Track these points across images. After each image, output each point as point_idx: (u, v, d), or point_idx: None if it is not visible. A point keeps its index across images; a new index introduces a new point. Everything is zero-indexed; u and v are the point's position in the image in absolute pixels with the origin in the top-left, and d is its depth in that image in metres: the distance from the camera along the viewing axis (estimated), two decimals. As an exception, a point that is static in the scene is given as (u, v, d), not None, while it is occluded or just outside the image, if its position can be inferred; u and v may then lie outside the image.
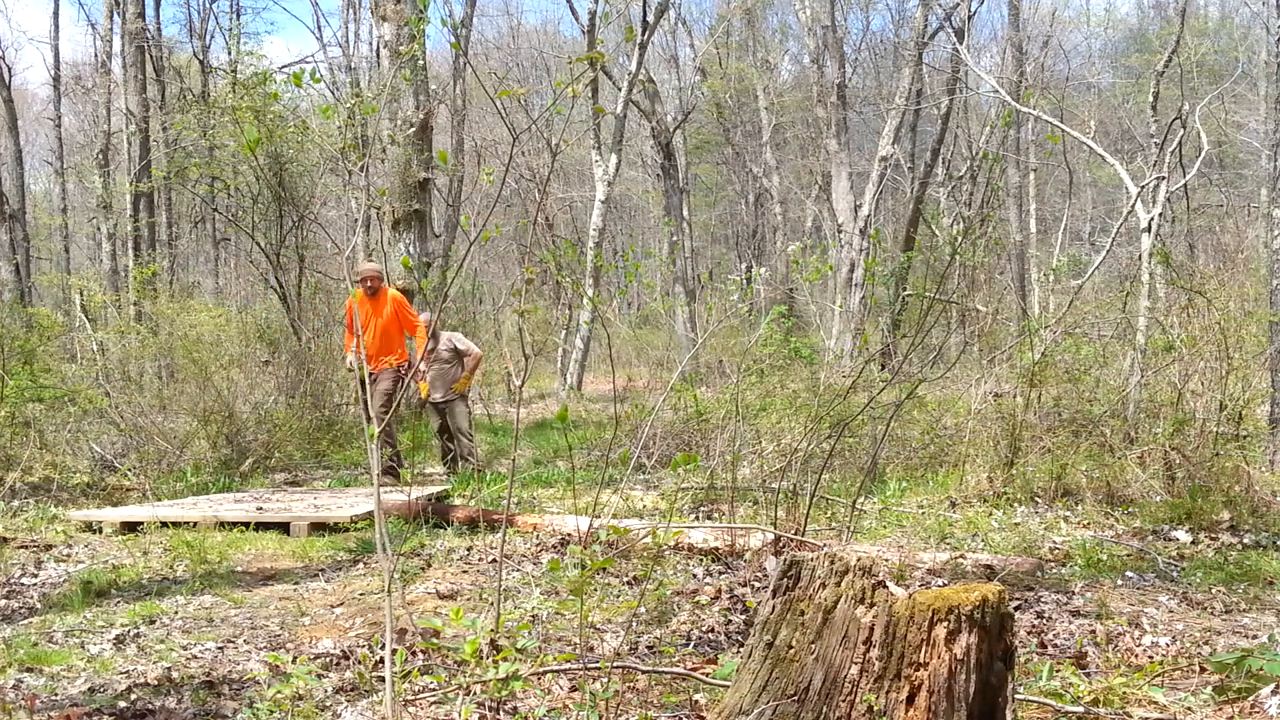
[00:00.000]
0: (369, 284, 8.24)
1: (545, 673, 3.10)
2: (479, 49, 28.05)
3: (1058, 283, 16.39)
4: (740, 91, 28.69)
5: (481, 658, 2.94)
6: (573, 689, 3.06)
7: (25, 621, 4.04)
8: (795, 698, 2.24)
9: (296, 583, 4.79)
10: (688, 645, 3.67)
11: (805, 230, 28.91)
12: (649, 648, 3.64)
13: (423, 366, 8.83)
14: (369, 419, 2.94)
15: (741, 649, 2.95)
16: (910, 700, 2.16)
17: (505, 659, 2.94)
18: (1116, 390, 7.85)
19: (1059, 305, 14.06)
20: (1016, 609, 4.06)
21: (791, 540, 4.97)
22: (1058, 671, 3.21)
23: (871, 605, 2.22)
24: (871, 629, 2.21)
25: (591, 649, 3.53)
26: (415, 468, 8.81)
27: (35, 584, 4.74)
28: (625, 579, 4.73)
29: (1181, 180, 13.41)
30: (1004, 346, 9.48)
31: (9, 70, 20.84)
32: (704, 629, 3.90)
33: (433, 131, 12.59)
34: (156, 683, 3.21)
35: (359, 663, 3.32)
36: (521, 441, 11.10)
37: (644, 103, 22.29)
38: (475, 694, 2.91)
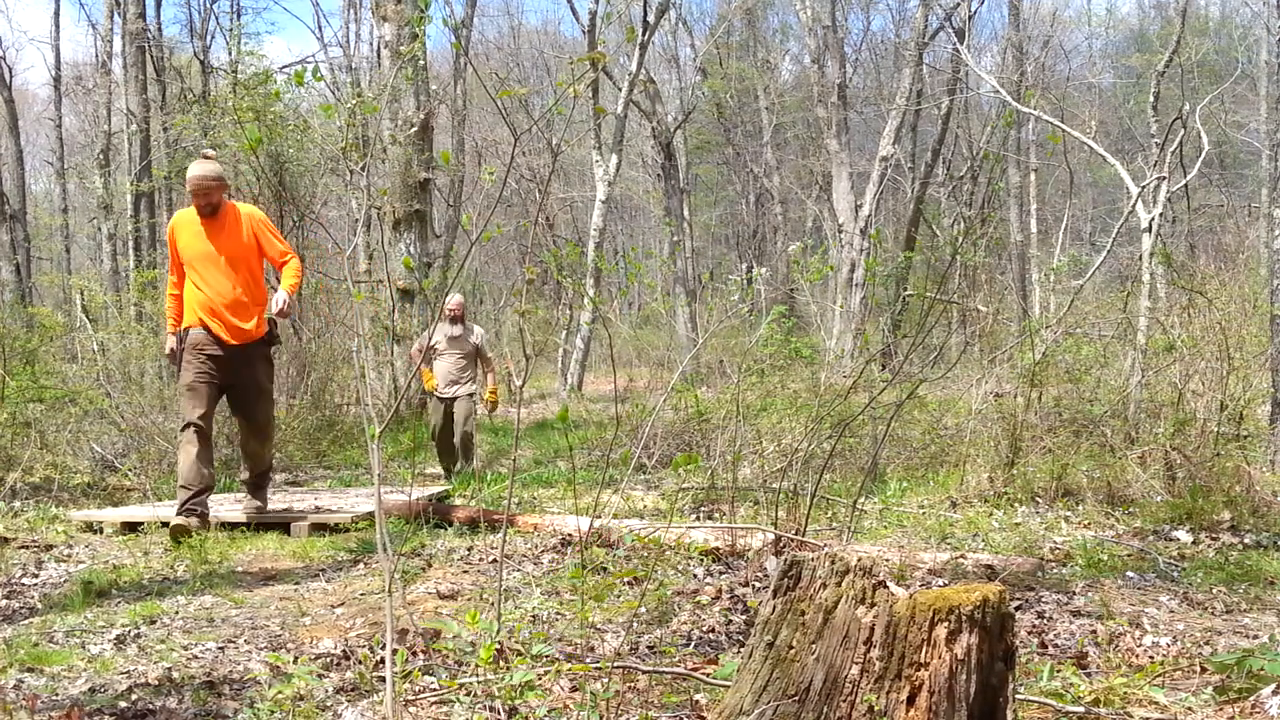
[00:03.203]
0: (206, 200, 5.55)
1: (546, 673, 3.10)
2: (480, 49, 28.07)
3: (1058, 283, 16.40)
4: (741, 91, 28.71)
5: (495, 662, 2.94)
6: (573, 689, 3.06)
7: (26, 621, 4.04)
8: (796, 698, 2.24)
9: (297, 583, 4.79)
10: (688, 645, 3.67)
11: (806, 230, 28.92)
12: (650, 648, 3.64)
13: (439, 343, 8.36)
14: (370, 419, 2.94)
15: (742, 649, 2.95)
16: (911, 700, 2.16)
17: (519, 666, 2.93)
18: (1117, 390, 7.85)
19: (1060, 305, 14.06)
20: (1017, 609, 4.05)
21: (792, 540, 4.97)
22: (1058, 671, 3.21)
23: (872, 605, 2.22)
24: (872, 629, 2.21)
25: (592, 649, 3.53)
26: (416, 467, 8.81)
27: (36, 584, 4.74)
28: (626, 579, 4.73)
29: (1182, 180, 13.41)
30: (1005, 347, 9.48)
31: (10, 71, 20.87)
32: (705, 629, 3.90)
33: (433, 131, 12.60)
34: (157, 683, 3.21)
35: (360, 663, 3.31)
36: (522, 442, 11.10)
37: (644, 103, 22.30)
38: (478, 697, 2.90)
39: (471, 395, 8.67)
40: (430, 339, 8.48)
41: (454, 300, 8.73)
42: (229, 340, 5.57)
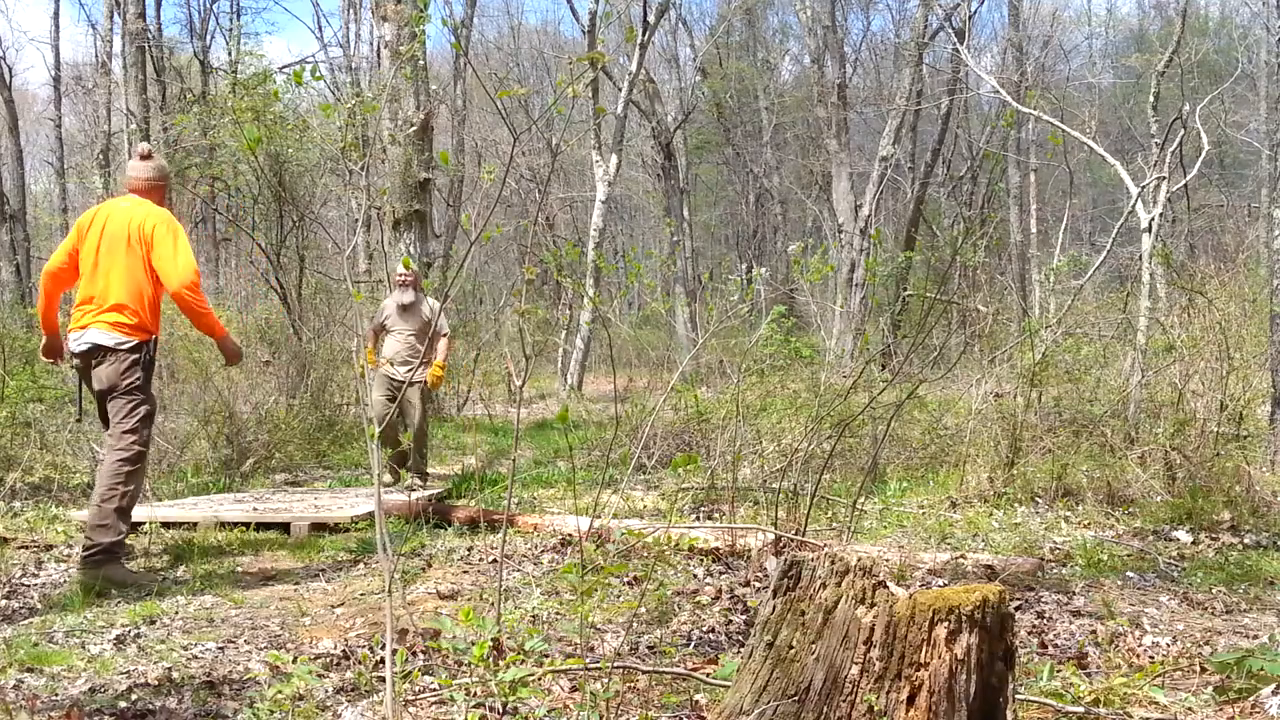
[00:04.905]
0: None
1: (546, 673, 3.09)
2: (479, 49, 28.07)
3: (1058, 283, 16.41)
4: (740, 91, 28.73)
5: (488, 660, 2.94)
6: (573, 689, 3.06)
7: (26, 621, 4.03)
8: (796, 698, 2.24)
9: (297, 583, 4.79)
10: (688, 645, 3.67)
11: (806, 230, 28.93)
12: (650, 648, 3.64)
13: (390, 318, 7.78)
14: (369, 419, 2.93)
15: (742, 649, 2.95)
16: (911, 700, 2.16)
17: (514, 663, 2.93)
18: (1117, 390, 7.85)
19: (1060, 305, 14.06)
20: (1017, 609, 4.05)
21: (792, 540, 4.97)
22: (1058, 671, 3.21)
23: (872, 605, 2.22)
24: (872, 629, 2.21)
25: (592, 649, 3.53)
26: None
27: (36, 584, 4.74)
28: (625, 579, 4.73)
29: (1182, 180, 13.40)
30: (1004, 347, 9.48)
31: (9, 70, 20.87)
32: (705, 629, 3.90)
33: (433, 132, 12.58)
34: (157, 683, 3.21)
35: (359, 663, 3.31)
36: (522, 442, 11.09)
37: (644, 103, 22.31)
38: (477, 695, 2.90)
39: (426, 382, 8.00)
40: (383, 315, 7.93)
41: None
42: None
